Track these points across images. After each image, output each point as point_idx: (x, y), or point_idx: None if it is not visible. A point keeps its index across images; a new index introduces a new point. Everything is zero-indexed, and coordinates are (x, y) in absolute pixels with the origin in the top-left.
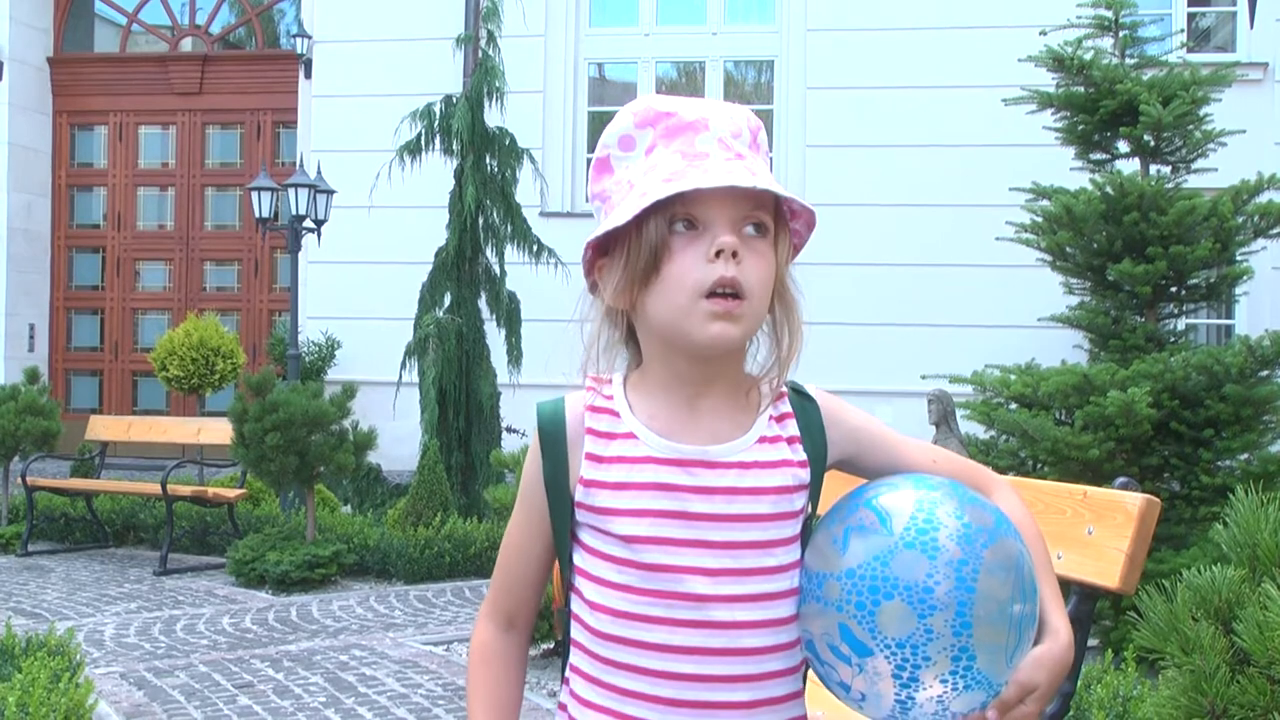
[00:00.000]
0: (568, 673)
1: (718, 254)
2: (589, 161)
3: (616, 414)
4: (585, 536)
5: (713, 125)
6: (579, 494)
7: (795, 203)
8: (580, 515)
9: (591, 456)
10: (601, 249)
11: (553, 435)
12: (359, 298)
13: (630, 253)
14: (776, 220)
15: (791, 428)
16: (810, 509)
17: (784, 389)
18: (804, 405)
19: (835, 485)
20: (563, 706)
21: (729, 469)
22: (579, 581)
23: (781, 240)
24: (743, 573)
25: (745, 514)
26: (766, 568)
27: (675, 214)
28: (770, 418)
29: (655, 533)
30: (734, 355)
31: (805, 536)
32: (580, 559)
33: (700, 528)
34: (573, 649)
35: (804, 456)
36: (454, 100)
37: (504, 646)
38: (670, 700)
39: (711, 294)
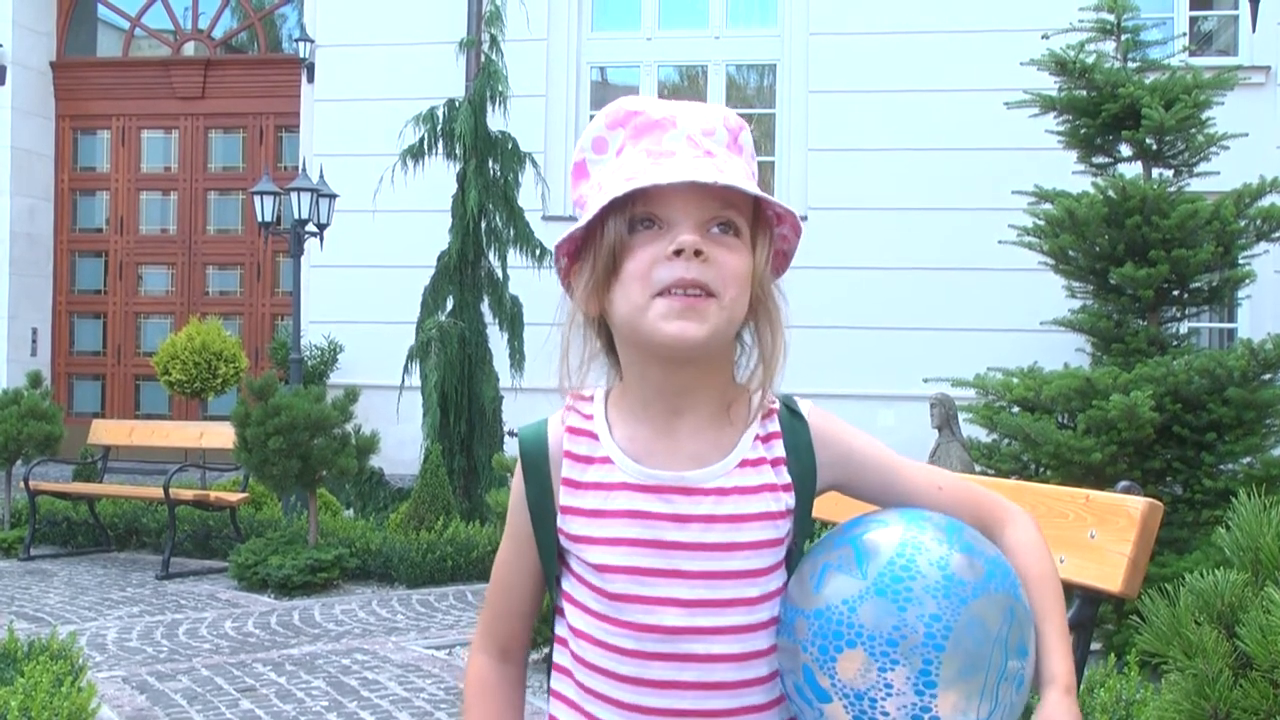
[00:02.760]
0: (551, 698)
1: (677, 253)
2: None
3: (595, 436)
4: (571, 562)
5: (681, 123)
6: (559, 520)
7: (777, 205)
8: (562, 541)
9: (568, 482)
10: (575, 254)
11: (535, 459)
12: (361, 302)
13: (595, 254)
14: (757, 223)
15: (778, 448)
16: (795, 535)
17: (774, 405)
18: (794, 424)
19: (847, 509)
20: None
21: (706, 495)
22: (566, 606)
23: (760, 244)
24: (720, 604)
25: (723, 543)
26: (747, 598)
27: (635, 213)
28: (756, 437)
29: (628, 562)
30: (713, 365)
31: (791, 563)
32: (567, 583)
33: (676, 557)
34: (556, 674)
35: (789, 480)
36: (456, 104)
37: (501, 677)
38: None
39: (670, 292)
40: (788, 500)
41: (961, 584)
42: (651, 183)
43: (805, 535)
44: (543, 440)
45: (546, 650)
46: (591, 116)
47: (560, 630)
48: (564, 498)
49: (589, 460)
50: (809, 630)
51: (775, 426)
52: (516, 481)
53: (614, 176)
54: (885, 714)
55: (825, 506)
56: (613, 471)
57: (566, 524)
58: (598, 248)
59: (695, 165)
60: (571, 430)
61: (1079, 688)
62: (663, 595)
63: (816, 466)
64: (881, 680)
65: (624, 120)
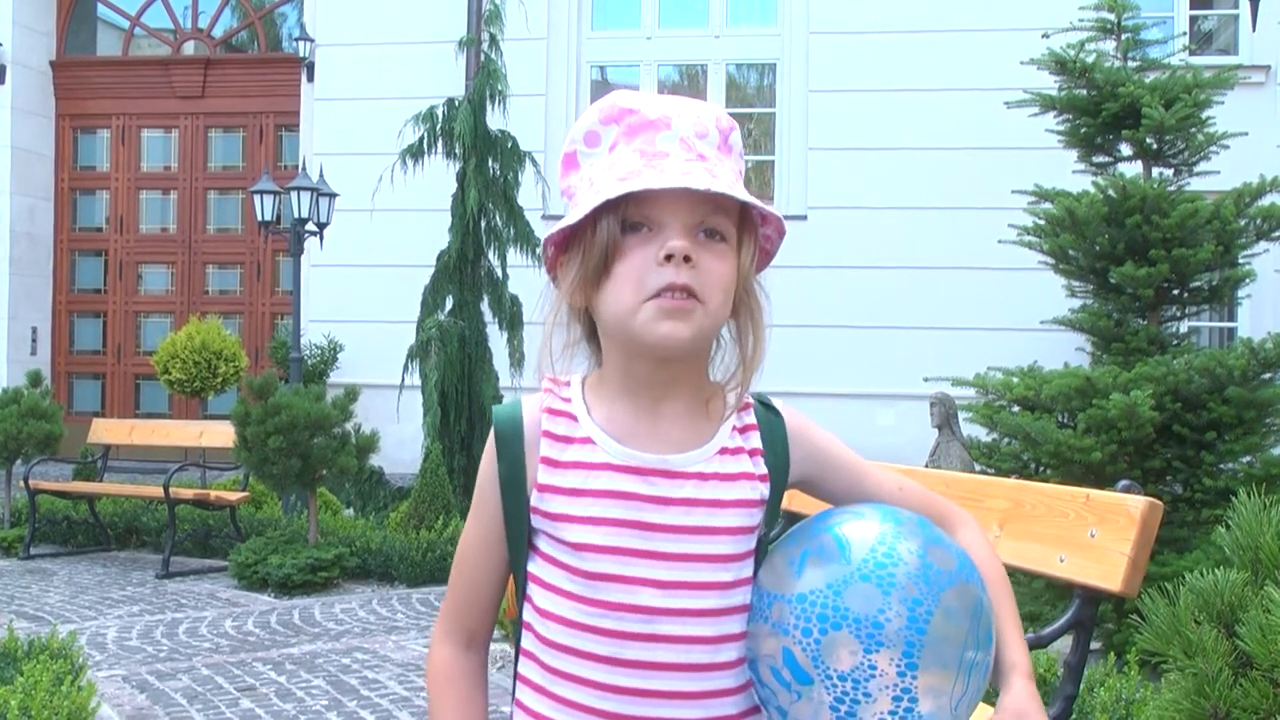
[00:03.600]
0: (516, 682)
1: (668, 258)
2: None
3: (574, 417)
4: (540, 542)
5: (675, 124)
6: (534, 499)
7: (764, 209)
8: (535, 521)
9: (547, 460)
10: (563, 245)
11: (509, 438)
12: (361, 301)
13: (585, 251)
14: (743, 225)
15: (754, 440)
16: (765, 526)
17: (750, 400)
18: (770, 419)
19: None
20: (511, 716)
21: (687, 479)
22: (531, 588)
23: (745, 246)
24: (696, 586)
25: (702, 526)
26: (721, 582)
27: (628, 214)
28: (733, 429)
29: (608, 542)
30: (693, 361)
31: (760, 553)
32: (534, 565)
33: (655, 539)
34: (522, 658)
35: (765, 470)
36: (456, 103)
37: (467, 666)
38: (615, 715)
39: (659, 295)
40: (763, 490)
41: (939, 572)
42: (645, 187)
43: (772, 527)
44: (518, 420)
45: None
46: None
47: (526, 615)
48: (542, 476)
49: (568, 440)
50: (791, 614)
51: (752, 419)
52: (487, 462)
53: (606, 175)
54: (868, 695)
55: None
56: (594, 452)
57: (544, 502)
58: (588, 245)
59: (689, 170)
60: (550, 411)
61: (1079, 687)
62: (641, 575)
63: (790, 461)
64: (867, 662)
65: (618, 117)
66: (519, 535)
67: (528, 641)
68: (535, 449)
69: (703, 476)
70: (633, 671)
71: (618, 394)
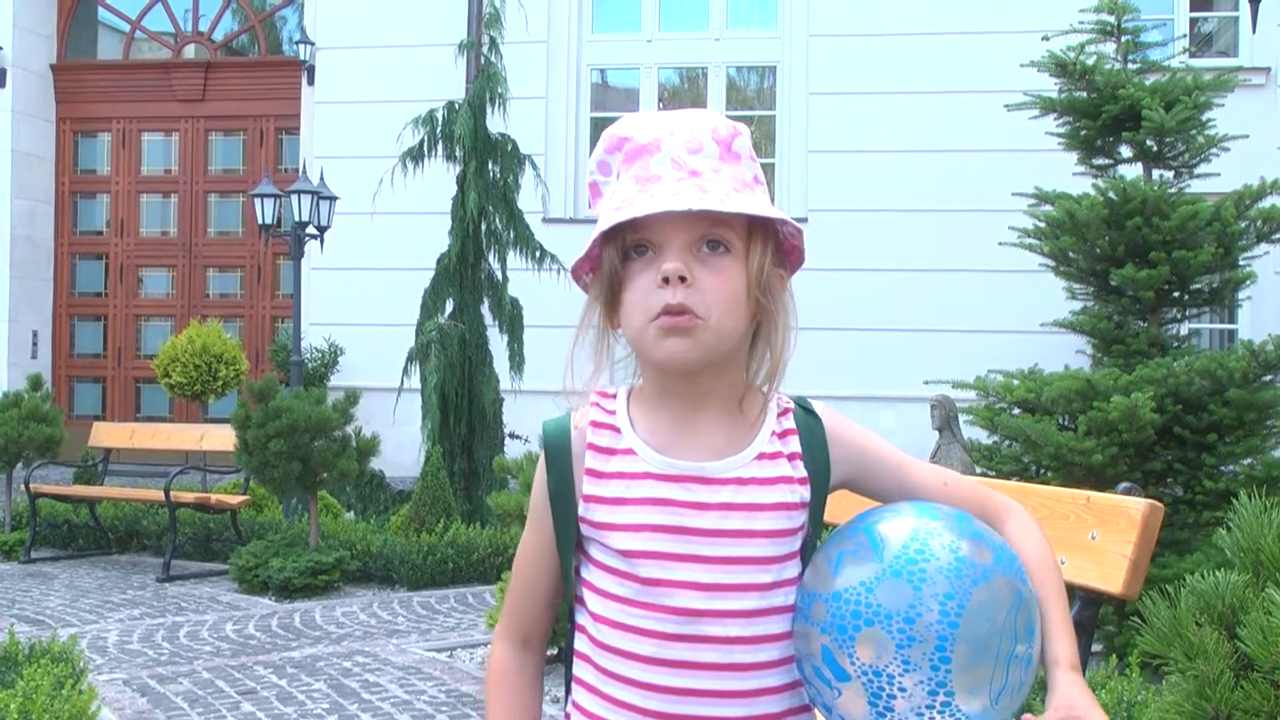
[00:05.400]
0: (572, 684)
1: (665, 280)
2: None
3: (618, 429)
4: (591, 549)
5: (666, 145)
6: (581, 509)
7: (761, 216)
8: (584, 529)
9: (591, 472)
10: (597, 270)
11: (557, 451)
12: (362, 304)
13: (599, 280)
14: (753, 230)
15: (793, 444)
16: (810, 527)
17: (790, 404)
18: (809, 422)
19: (855, 506)
20: (567, 716)
21: (725, 485)
22: (584, 593)
23: (754, 251)
24: (736, 588)
25: (740, 530)
26: (761, 584)
27: (629, 241)
28: (773, 433)
29: (650, 547)
30: (723, 370)
31: (806, 555)
32: (586, 571)
33: (695, 542)
34: (576, 660)
35: (804, 473)
36: (456, 106)
37: (520, 665)
38: (662, 714)
39: (660, 316)
40: (803, 493)
41: (972, 566)
42: (631, 215)
43: (819, 529)
44: (565, 433)
45: (555, 651)
46: (591, 119)
47: (580, 618)
48: (588, 487)
49: (611, 451)
50: (827, 612)
51: (791, 424)
52: (539, 473)
53: (608, 204)
54: (903, 690)
55: (833, 510)
56: (635, 461)
57: (590, 512)
58: (600, 275)
59: (679, 189)
60: (595, 424)
61: None
62: (682, 579)
63: (830, 463)
64: (899, 657)
65: (618, 145)
66: (568, 543)
67: (581, 644)
68: (581, 462)
69: (741, 481)
70: (677, 671)
71: (656, 406)
